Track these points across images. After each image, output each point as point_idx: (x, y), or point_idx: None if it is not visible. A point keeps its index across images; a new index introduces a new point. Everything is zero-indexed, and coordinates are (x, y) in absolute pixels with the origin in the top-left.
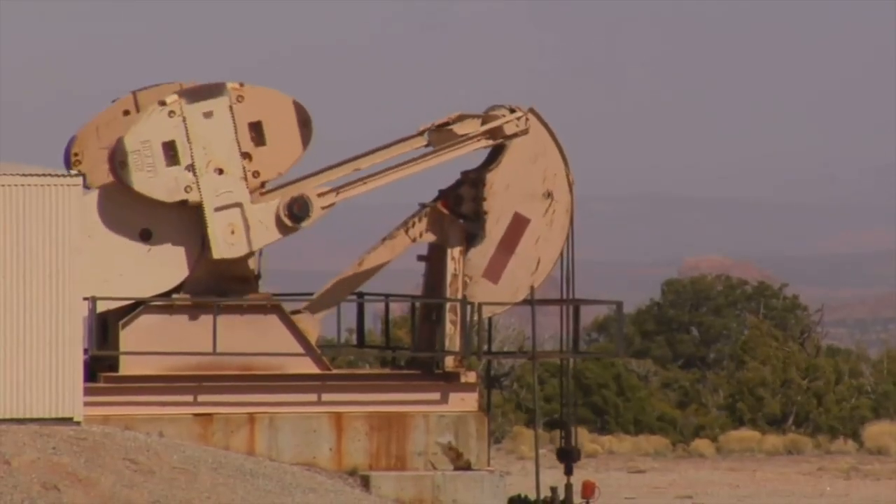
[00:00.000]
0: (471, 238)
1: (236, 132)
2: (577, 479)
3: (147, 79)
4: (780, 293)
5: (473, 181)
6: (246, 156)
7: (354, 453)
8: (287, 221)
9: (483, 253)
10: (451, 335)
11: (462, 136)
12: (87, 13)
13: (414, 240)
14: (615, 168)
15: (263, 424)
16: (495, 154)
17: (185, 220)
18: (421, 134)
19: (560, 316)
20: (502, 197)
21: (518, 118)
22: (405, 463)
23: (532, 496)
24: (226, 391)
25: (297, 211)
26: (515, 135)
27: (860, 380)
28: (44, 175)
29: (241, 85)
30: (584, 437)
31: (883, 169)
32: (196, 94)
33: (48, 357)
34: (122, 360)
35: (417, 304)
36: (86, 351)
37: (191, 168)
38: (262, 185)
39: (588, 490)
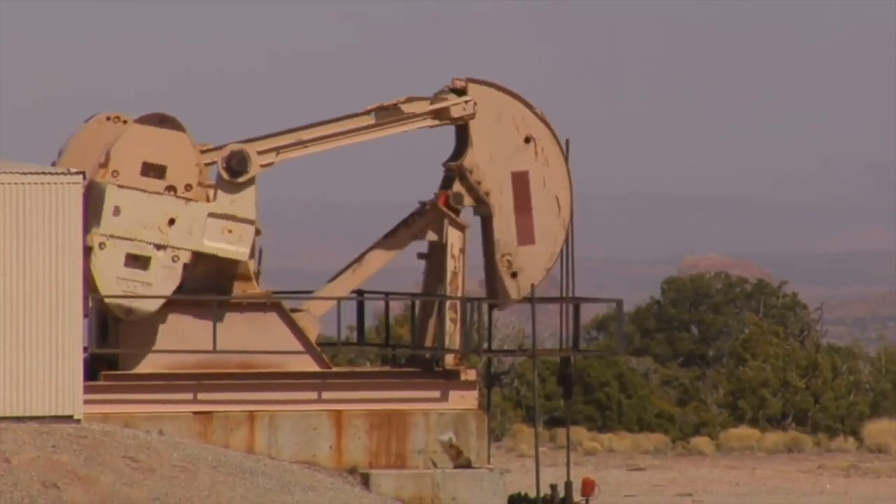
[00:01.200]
0: (488, 220)
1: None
2: (577, 477)
3: (147, 78)
4: (779, 291)
5: (459, 173)
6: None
7: (354, 451)
8: (225, 175)
9: (506, 226)
10: (451, 333)
11: (408, 113)
12: (87, 13)
13: (414, 238)
14: (615, 167)
15: (263, 422)
16: (462, 139)
17: None
18: (368, 113)
19: (560, 314)
20: (492, 169)
21: (465, 102)
22: (405, 461)
23: (532, 494)
24: (226, 389)
25: (236, 164)
26: (462, 118)
27: (857, 376)
28: (44, 173)
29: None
30: (583, 435)
31: (882, 168)
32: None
33: (48, 355)
34: (122, 357)
35: (417, 302)
36: (86, 349)
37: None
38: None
39: (588, 488)
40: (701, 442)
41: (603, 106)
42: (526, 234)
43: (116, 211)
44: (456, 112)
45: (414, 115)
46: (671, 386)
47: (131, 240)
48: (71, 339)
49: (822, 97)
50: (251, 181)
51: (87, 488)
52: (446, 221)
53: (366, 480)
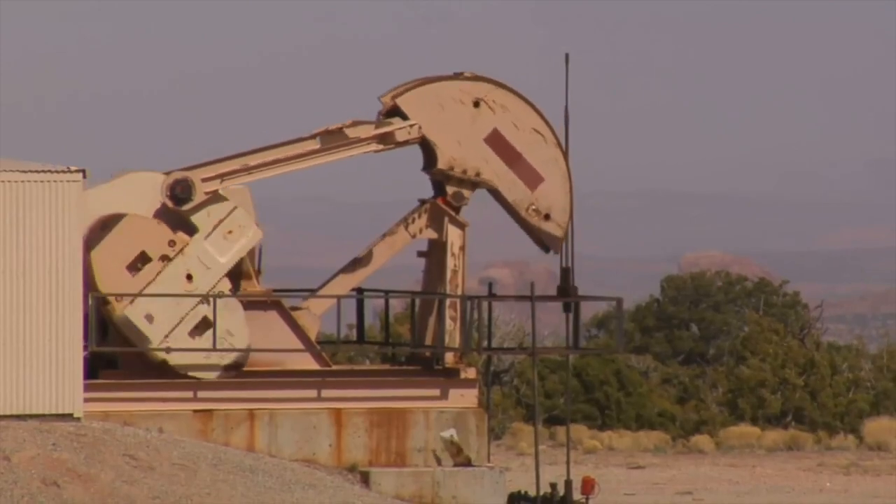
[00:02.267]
0: (495, 193)
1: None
2: (577, 476)
3: (145, 78)
4: (780, 289)
5: (445, 177)
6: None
7: (354, 449)
8: (169, 203)
9: (512, 185)
10: (451, 331)
11: (353, 138)
12: (87, 13)
13: (414, 236)
14: (615, 164)
15: (263, 421)
16: (425, 145)
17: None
18: (313, 137)
19: (560, 312)
20: (467, 151)
21: (410, 126)
22: (405, 459)
23: (532, 492)
24: (226, 387)
25: (180, 192)
26: (406, 142)
27: (857, 373)
28: (44, 171)
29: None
30: (583, 434)
31: (883, 165)
32: None
33: (48, 353)
34: (122, 356)
35: (417, 300)
36: (86, 347)
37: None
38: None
39: (587, 486)
40: (701, 440)
41: (603, 102)
42: (532, 178)
43: (150, 319)
44: (401, 136)
45: (359, 140)
46: (671, 384)
47: (180, 320)
48: (71, 337)
49: (822, 94)
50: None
51: (87, 486)
52: (446, 219)
53: (366, 479)
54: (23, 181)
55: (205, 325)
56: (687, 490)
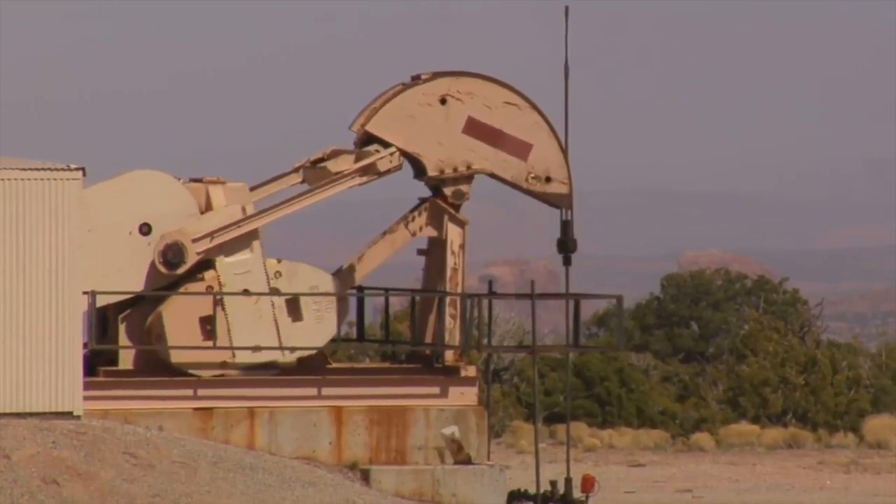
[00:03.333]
0: (495, 176)
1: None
2: (577, 473)
3: (146, 77)
4: (779, 287)
5: (440, 182)
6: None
7: (354, 447)
8: (162, 268)
9: (505, 163)
10: (451, 329)
11: (336, 174)
12: (87, 13)
13: (414, 234)
14: (614, 163)
15: (263, 419)
16: (410, 158)
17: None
18: (296, 171)
19: (560, 311)
20: (451, 149)
21: (391, 154)
22: (405, 457)
23: (532, 490)
24: (226, 385)
25: (172, 257)
26: (389, 171)
27: (857, 372)
28: (44, 169)
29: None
30: (583, 432)
31: (883, 163)
32: None
33: (48, 351)
34: (122, 354)
35: (417, 298)
36: (85, 345)
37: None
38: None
39: (587, 484)
40: (701, 438)
41: (602, 100)
42: (520, 148)
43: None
44: (383, 166)
45: (342, 176)
46: (671, 382)
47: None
48: (70, 335)
49: (821, 93)
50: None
51: (86, 484)
52: (446, 217)
53: (366, 476)
54: (22, 179)
55: (294, 309)
56: (687, 488)
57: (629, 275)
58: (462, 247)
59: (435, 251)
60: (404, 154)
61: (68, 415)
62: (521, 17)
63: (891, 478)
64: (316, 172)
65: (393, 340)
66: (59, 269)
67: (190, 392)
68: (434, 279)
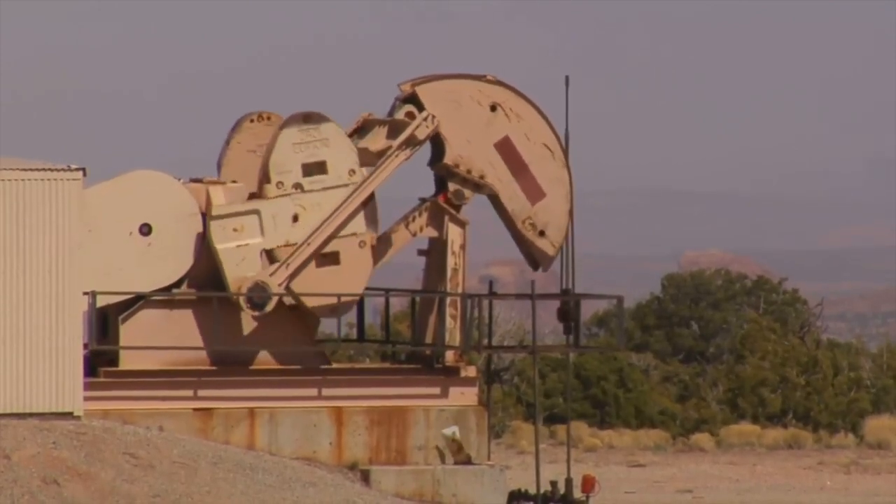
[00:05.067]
0: (495, 198)
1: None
2: (577, 474)
3: (146, 77)
4: (779, 287)
5: (448, 173)
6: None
7: (354, 447)
8: (251, 312)
9: (514, 195)
10: (452, 330)
11: (377, 153)
12: (87, 13)
13: (414, 234)
14: (614, 163)
15: (263, 419)
16: (436, 139)
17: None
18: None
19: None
20: (475, 152)
21: (424, 119)
22: (405, 457)
23: (532, 491)
24: (226, 385)
25: (258, 300)
26: (429, 136)
27: (858, 372)
28: (44, 169)
29: (374, 247)
30: (584, 432)
31: (883, 163)
32: (368, 208)
33: (48, 352)
34: (122, 354)
35: (418, 299)
36: (86, 345)
37: (299, 187)
38: (275, 261)
39: (588, 484)
40: (701, 438)
41: (602, 100)
42: (534, 192)
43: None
44: (421, 133)
45: (388, 157)
46: (671, 382)
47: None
48: (71, 335)
49: (822, 94)
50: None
51: (87, 484)
52: (446, 218)
53: (366, 477)
54: (23, 179)
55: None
56: (687, 488)
57: (629, 274)
58: (462, 247)
59: (435, 251)
60: (432, 133)
61: (69, 415)
62: (521, 18)
63: (891, 478)
64: (357, 152)
65: (393, 341)
66: (60, 270)
67: (190, 392)
68: (434, 279)
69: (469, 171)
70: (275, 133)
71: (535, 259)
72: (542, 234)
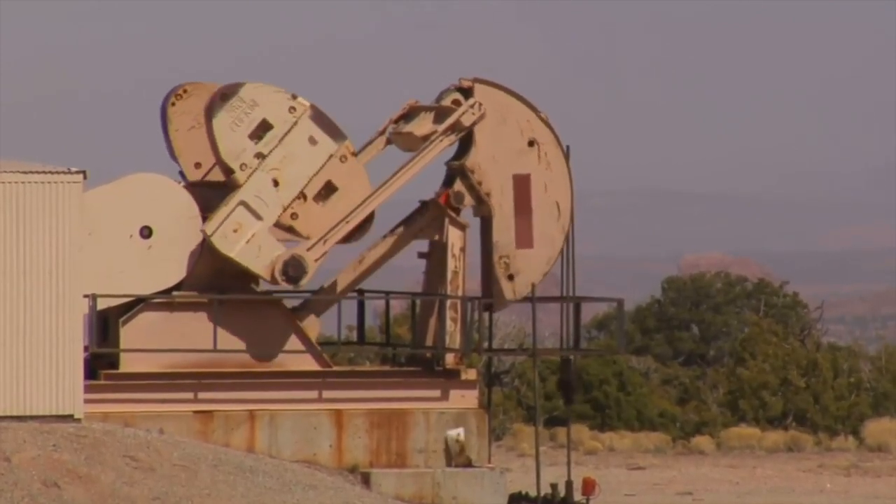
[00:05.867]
0: (488, 221)
1: (315, 174)
2: (578, 476)
3: (146, 77)
4: (780, 290)
5: (461, 172)
6: (302, 197)
7: (355, 450)
8: (284, 284)
9: (506, 228)
10: (452, 332)
11: (423, 138)
12: (87, 13)
13: (415, 236)
14: (614, 164)
15: (264, 421)
16: (466, 138)
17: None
18: (381, 134)
19: (560, 313)
20: (494, 170)
21: (471, 106)
22: (405, 460)
23: (533, 493)
24: (226, 388)
25: (293, 273)
26: (475, 123)
27: (858, 375)
28: (45, 172)
29: (355, 154)
30: (584, 434)
31: (883, 165)
32: (322, 121)
33: (49, 354)
34: (123, 357)
35: (418, 301)
36: (86, 348)
37: (260, 156)
38: (289, 229)
39: (588, 487)
40: (701, 441)
41: (602, 101)
42: (525, 238)
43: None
44: (467, 120)
45: (432, 141)
46: (671, 385)
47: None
48: (71, 338)
49: (822, 94)
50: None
51: (87, 487)
52: (447, 220)
53: (366, 479)
54: (23, 182)
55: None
56: (687, 491)
57: (629, 275)
58: (463, 250)
59: (436, 254)
60: (466, 131)
61: (69, 418)
62: (522, 19)
63: (891, 481)
64: (402, 137)
65: (393, 343)
66: (60, 273)
67: (190, 395)
68: (435, 282)
69: (480, 183)
70: (208, 127)
71: (490, 294)
72: (510, 277)
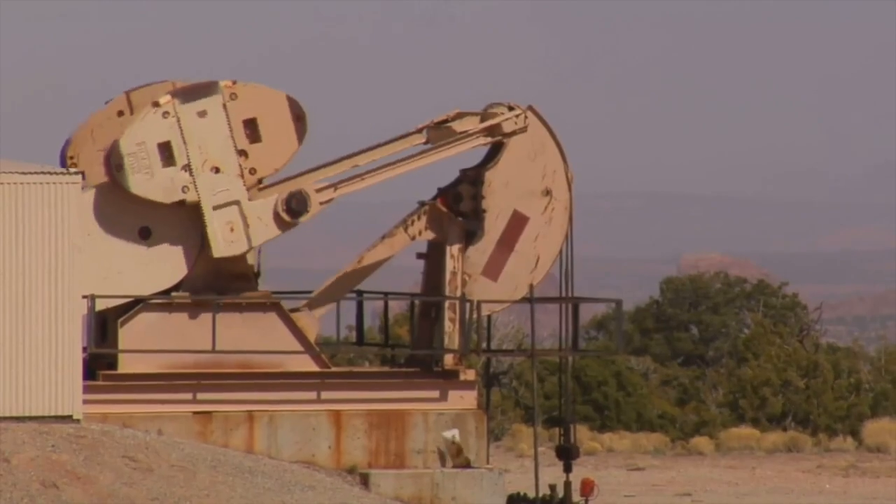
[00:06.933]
0: (470, 236)
1: (231, 130)
2: (576, 477)
3: (145, 77)
4: (779, 291)
5: (472, 179)
6: (242, 153)
7: (353, 451)
8: (285, 216)
9: (482, 251)
10: (450, 333)
11: (460, 133)
12: (87, 13)
13: (413, 237)
14: (614, 165)
15: (263, 422)
16: (494, 152)
17: (184, 219)
18: (420, 131)
19: (559, 314)
20: (501, 194)
21: (517, 116)
22: (404, 461)
23: (531, 494)
24: (225, 389)
25: (296, 206)
26: (514, 132)
27: (858, 376)
28: (43, 173)
29: (234, 83)
30: (583, 435)
31: (882, 165)
32: (189, 93)
33: (47, 355)
34: (122, 357)
35: (416, 302)
36: (85, 349)
37: (187, 168)
38: (259, 181)
39: (587, 488)
40: (700, 442)
41: (602, 103)
42: (493, 270)
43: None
44: (508, 127)
45: (467, 135)
46: (671, 386)
47: None
48: (70, 339)
49: (821, 94)
50: None
51: (86, 488)
52: (446, 221)
53: (365, 480)
54: (22, 183)
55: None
56: (686, 491)
57: (629, 276)
58: (461, 251)
59: (434, 255)
60: (497, 149)
61: (68, 418)
62: (521, 18)
63: (890, 482)
64: (440, 132)
65: (392, 344)
66: (59, 273)
67: (189, 396)
68: (433, 283)
69: (483, 198)
70: (134, 195)
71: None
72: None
